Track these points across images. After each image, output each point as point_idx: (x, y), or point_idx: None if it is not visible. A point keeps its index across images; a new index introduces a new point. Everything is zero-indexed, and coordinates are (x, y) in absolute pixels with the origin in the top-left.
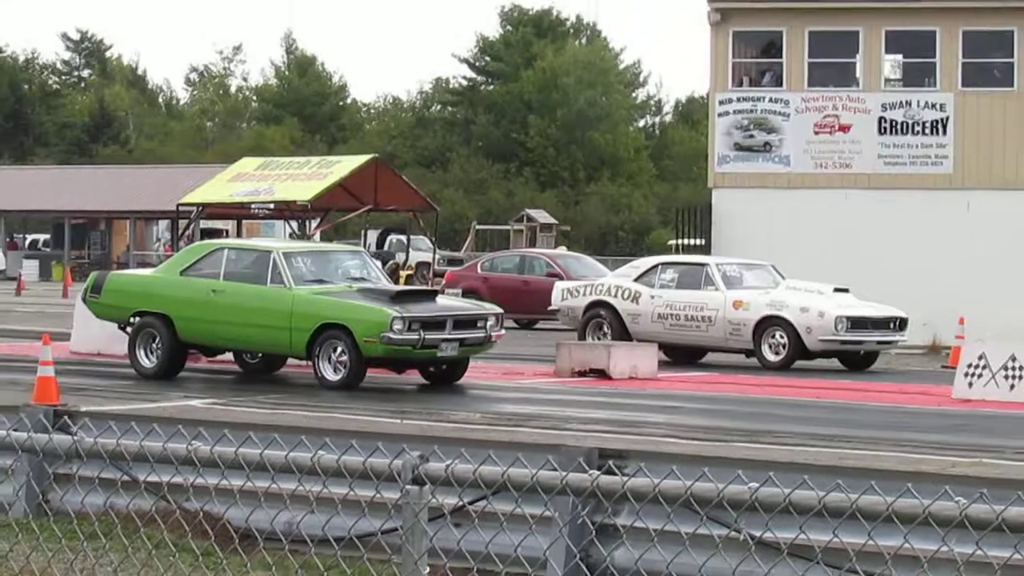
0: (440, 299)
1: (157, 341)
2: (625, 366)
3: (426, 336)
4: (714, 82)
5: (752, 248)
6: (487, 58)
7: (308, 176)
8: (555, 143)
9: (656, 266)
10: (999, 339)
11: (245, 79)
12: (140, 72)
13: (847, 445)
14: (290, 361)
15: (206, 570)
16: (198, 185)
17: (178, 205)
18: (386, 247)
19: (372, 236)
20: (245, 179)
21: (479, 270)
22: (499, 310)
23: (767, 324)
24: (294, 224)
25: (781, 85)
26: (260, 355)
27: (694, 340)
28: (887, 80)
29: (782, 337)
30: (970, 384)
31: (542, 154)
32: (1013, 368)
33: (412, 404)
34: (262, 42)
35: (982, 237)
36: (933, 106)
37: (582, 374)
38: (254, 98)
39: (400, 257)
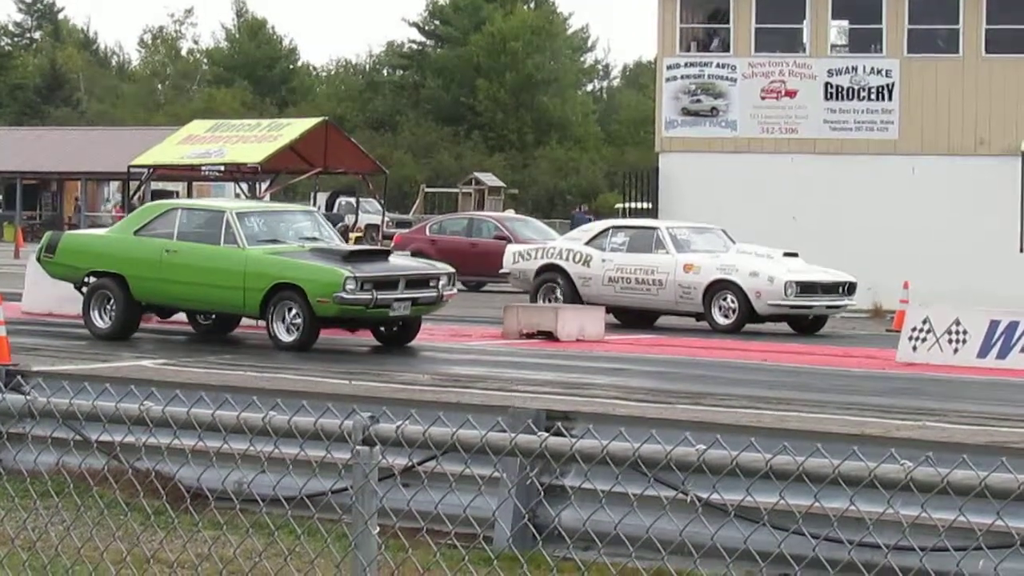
0: (392, 259)
1: (111, 302)
2: (572, 328)
3: (379, 296)
4: (661, 47)
5: (699, 212)
6: (437, 22)
7: (258, 139)
8: (504, 107)
9: (607, 229)
10: (943, 303)
11: (196, 42)
12: (92, 35)
13: (792, 408)
14: (244, 322)
15: (157, 528)
16: (149, 147)
17: (129, 167)
18: (335, 209)
19: (322, 199)
20: (196, 141)
21: (427, 233)
22: (451, 269)
23: (717, 288)
24: (244, 186)
25: (728, 50)
26: (213, 316)
27: (645, 303)
28: (833, 46)
29: (732, 301)
30: (914, 348)
31: (491, 118)
32: (957, 332)
33: (362, 365)
34: (213, 5)
35: (927, 203)
36: (879, 72)
37: (530, 336)
38: (205, 61)
39: (349, 219)
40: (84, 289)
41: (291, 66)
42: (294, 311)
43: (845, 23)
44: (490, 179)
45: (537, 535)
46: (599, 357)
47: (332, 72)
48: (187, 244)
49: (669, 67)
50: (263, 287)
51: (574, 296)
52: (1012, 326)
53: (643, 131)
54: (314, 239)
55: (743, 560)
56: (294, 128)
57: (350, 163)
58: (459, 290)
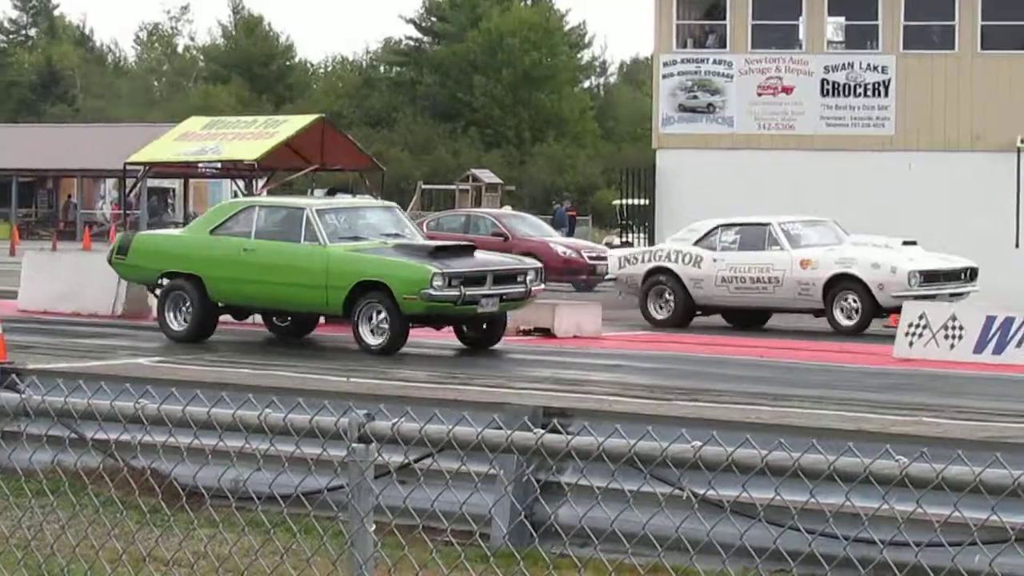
0: (478, 254)
1: (187, 303)
2: (569, 325)
3: (467, 292)
4: (658, 44)
5: (696, 208)
6: (433, 19)
7: (255, 135)
8: (501, 103)
9: (716, 228)
10: (941, 299)
11: (192, 39)
12: (88, 32)
13: (789, 404)
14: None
15: (153, 527)
16: (145, 144)
17: (125, 164)
18: None
19: (319, 196)
20: (192, 138)
21: (425, 229)
22: (538, 264)
23: (837, 282)
24: (241, 183)
25: (725, 47)
26: (290, 318)
27: (761, 302)
28: (830, 42)
29: (855, 301)
30: (911, 344)
31: (488, 114)
32: (953, 328)
33: (358, 363)
34: (209, 2)
35: (923, 198)
36: (875, 68)
37: (527, 333)
38: (201, 58)
39: None
40: (158, 291)
41: (288, 63)
42: (382, 313)
43: (841, 19)
44: (487, 176)
45: (534, 532)
46: (596, 354)
47: (329, 69)
48: (265, 242)
49: (666, 64)
50: (346, 285)
51: (685, 299)
52: (1008, 322)
53: (640, 128)
54: (396, 235)
55: (739, 556)
56: (291, 125)
57: (347, 160)
58: None
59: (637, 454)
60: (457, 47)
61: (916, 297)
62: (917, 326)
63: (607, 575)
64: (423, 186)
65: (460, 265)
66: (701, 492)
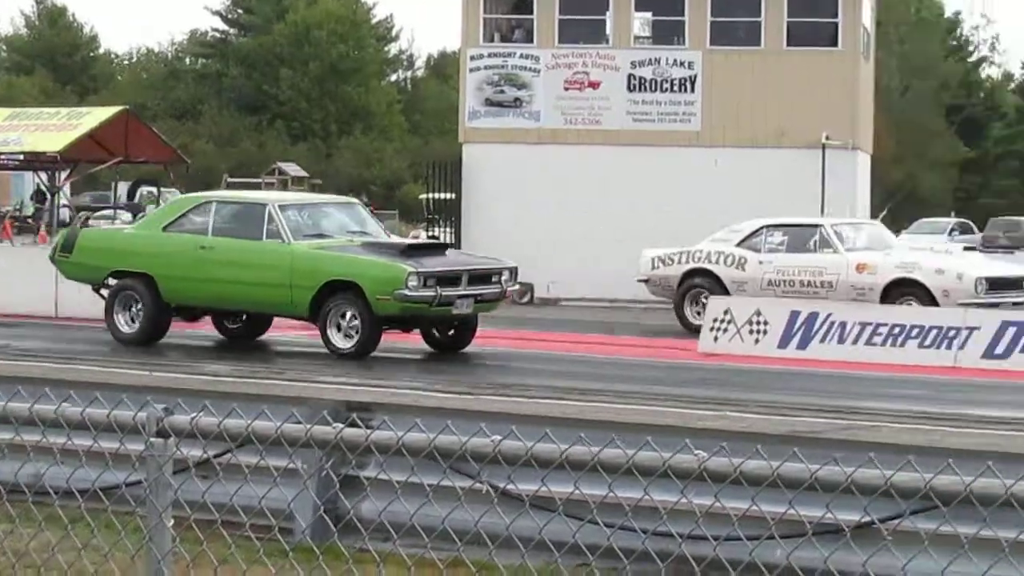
0: (450, 253)
1: (138, 304)
2: None
3: (443, 292)
4: (465, 37)
5: (503, 203)
6: (239, 11)
7: (58, 127)
8: (307, 96)
9: (761, 229)
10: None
11: None
12: None
13: (593, 398)
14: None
15: None
16: None
17: None
18: (137, 199)
19: (123, 188)
20: None
21: None
22: (513, 264)
23: (898, 288)
24: (43, 175)
25: (532, 41)
26: (243, 319)
27: None
28: (636, 37)
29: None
30: (715, 338)
31: (294, 107)
32: (758, 323)
33: (160, 358)
34: None
35: (729, 194)
36: (682, 64)
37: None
38: (3, 48)
39: (151, 210)
40: (104, 291)
41: (92, 54)
42: (352, 315)
43: (648, 15)
44: (293, 169)
45: (334, 527)
46: (406, 349)
47: (134, 60)
48: (224, 240)
49: (472, 58)
50: (313, 285)
51: None
52: (812, 316)
53: (447, 122)
54: (362, 233)
55: (539, 550)
56: (94, 117)
57: (151, 152)
58: None
59: (437, 448)
60: (263, 39)
61: (980, 304)
62: (722, 321)
63: (407, 569)
64: (228, 179)
65: (434, 264)
66: (501, 486)
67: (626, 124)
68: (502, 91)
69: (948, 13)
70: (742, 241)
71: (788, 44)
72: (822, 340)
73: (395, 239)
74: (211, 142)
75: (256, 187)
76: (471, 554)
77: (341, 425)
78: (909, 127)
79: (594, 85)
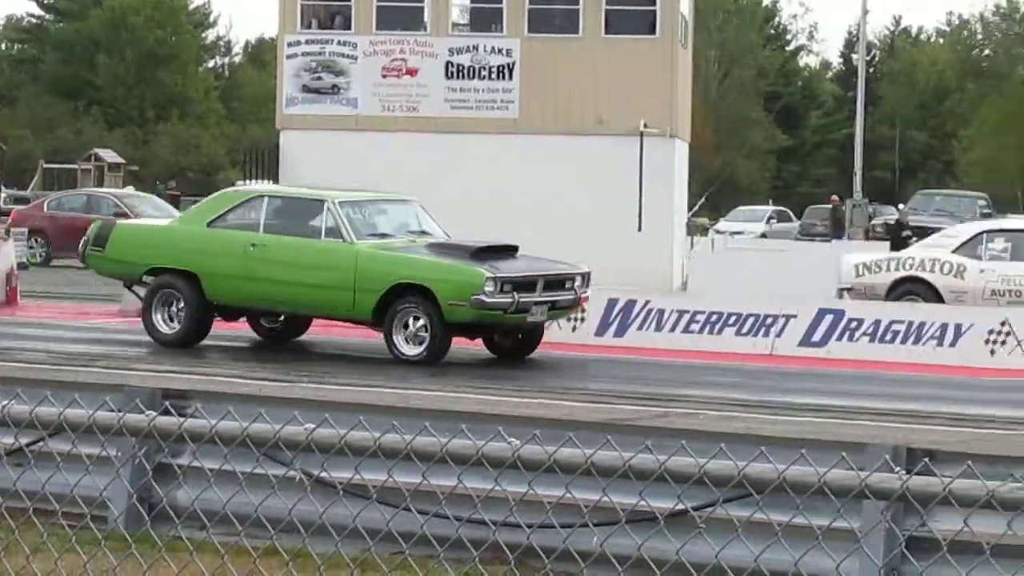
0: (520, 256)
1: (179, 303)
2: None
3: (520, 299)
4: (282, 24)
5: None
6: None
7: None
8: (124, 82)
9: (979, 234)
10: None
11: None
12: None
13: (409, 387)
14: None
15: None
16: None
17: None
18: None
19: None
20: None
21: (45, 209)
22: (587, 269)
23: None
24: None
25: (350, 28)
26: (281, 319)
27: None
28: (455, 25)
29: None
30: None
31: (111, 93)
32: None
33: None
34: None
35: (548, 181)
36: (500, 51)
37: None
38: None
39: None
40: (137, 288)
41: None
42: (421, 321)
43: (466, 2)
44: (110, 155)
45: (147, 515)
46: (218, 336)
47: None
48: (278, 237)
49: (290, 44)
50: (380, 288)
51: None
52: (630, 304)
53: (265, 109)
54: (422, 232)
55: (354, 538)
56: None
57: None
58: (77, 268)
59: (250, 436)
60: (80, 25)
61: None
62: None
63: (220, 557)
64: (45, 165)
65: (510, 269)
66: (315, 473)
67: (444, 111)
68: (319, 78)
69: (766, 2)
70: (959, 247)
71: (606, 32)
72: (639, 328)
73: (464, 241)
74: (28, 128)
75: (73, 174)
76: (285, 542)
77: (154, 413)
78: (727, 115)
79: (412, 72)
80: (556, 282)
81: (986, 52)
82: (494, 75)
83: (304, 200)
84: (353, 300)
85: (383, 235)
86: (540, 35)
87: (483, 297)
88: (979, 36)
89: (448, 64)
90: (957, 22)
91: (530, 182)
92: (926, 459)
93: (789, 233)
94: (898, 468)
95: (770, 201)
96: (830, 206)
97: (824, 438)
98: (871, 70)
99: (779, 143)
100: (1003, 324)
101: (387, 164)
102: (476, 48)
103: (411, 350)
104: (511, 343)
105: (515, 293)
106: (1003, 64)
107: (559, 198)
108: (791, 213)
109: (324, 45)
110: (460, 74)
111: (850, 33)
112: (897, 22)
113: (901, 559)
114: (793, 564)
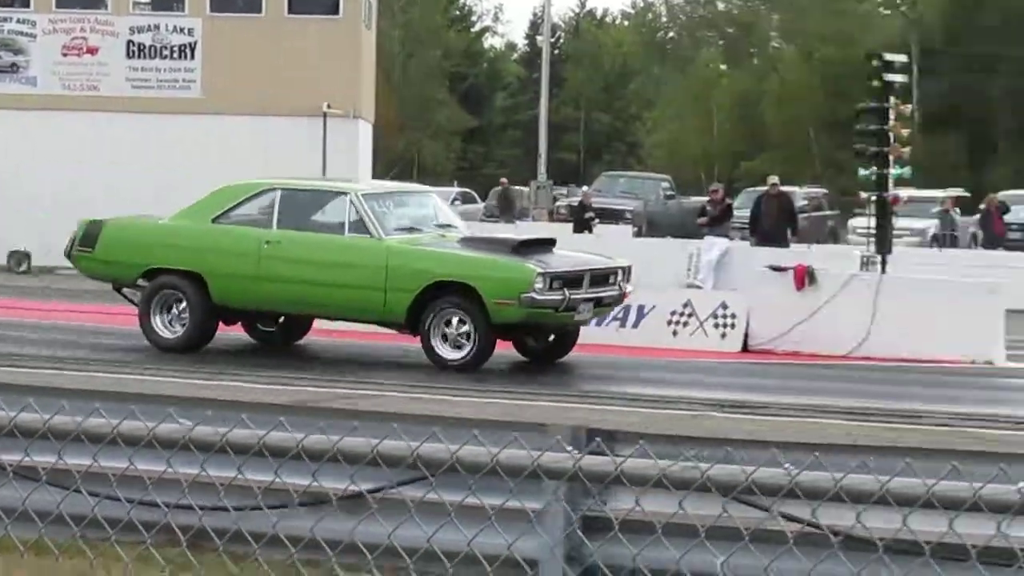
0: (558, 250)
1: (181, 306)
2: None
3: (571, 296)
4: None
5: (2, 168)
6: None
7: None
8: None
9: None
10: None
11: None
12: None
13: (223, 379)
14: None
15: None
16: None
17: None
18: None
19: None
20: None
21: None
22: (628, 263)
23: None
24: None
25: (29, 6)
26: (280, 322)
27: None
28: (136, 3)
29: None
30: None
31: None
32: None
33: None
34: None
35: (233, 161)
36: (181, 30)
37: None
38: None
39: None
40: (127, 291)
41: None
42: (461, 322)
43: None
44: None
45: None
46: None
47: None
48: (295, 234)
49: None
50: (415, 287)
51: None
52: None
53: None
54: (448, 226)
55: (23, 520)
56: None
57: None
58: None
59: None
60: None
61: None
62: None
63: None
64: None
65: (556, 263)
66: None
67: (125, 91)
68: None
69: None
70: None
71: (289, 11)
72: None
73: (498, 234)
74: None
75: None
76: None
77: None
78: (412, 96)
79: (92, 51)
80: (601, 277)
81: (671, 35)
82: (176, 54)
83: (323, 192)
84: (384, 300)
85: (410, 229)
86: (223, 14)
87: (533, 295)
88: (664, 19)
89: (129, 43)
90: (642, 4)
91: (214, 162)
92: (598, 439)
93: (474, 215)
94: (572, 449)
95: (455, 183)
96: (500, 188)
97: (504, 419)
98: (556, 52)
99: (465, 124)
100: (685, 306)
101: (71, 145)
102: (158, 27)
103: (453, 354)
104: (542, 345)
105: (565, 290)
106: (687, 47)
107: (244, 178)
108: (476, 195)
109: (3, 23)
110: (141, 53)
111: (535, 15)
112: (582, 4)
113: (581, 541)
114: (466, 544)
